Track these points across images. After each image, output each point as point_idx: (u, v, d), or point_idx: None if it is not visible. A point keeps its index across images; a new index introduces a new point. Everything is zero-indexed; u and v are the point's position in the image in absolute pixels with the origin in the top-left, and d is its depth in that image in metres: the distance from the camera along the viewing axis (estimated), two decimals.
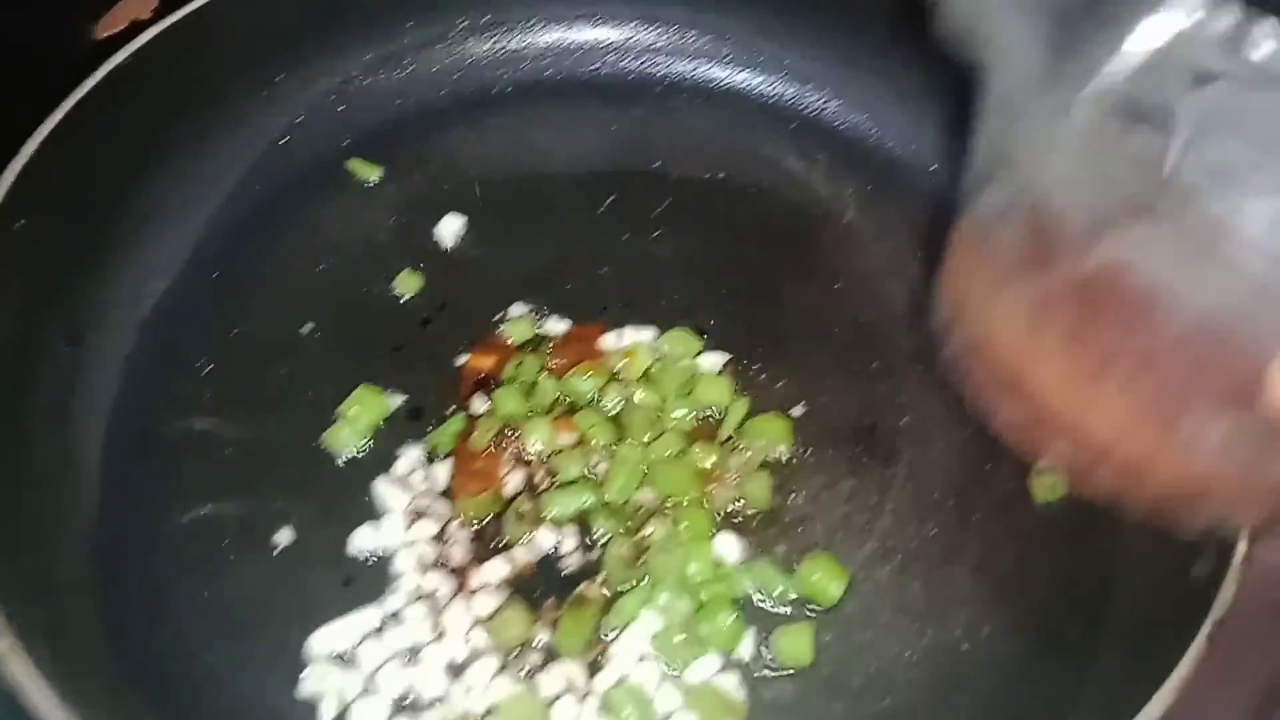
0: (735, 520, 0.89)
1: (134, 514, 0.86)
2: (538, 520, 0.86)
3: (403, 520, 0.86)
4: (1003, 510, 0.90)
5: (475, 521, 0.87)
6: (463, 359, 0.96)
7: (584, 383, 0.94)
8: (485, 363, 0.96)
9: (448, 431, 0.91)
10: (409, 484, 0.88)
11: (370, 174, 1.08)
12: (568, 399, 0.94)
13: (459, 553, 0.85)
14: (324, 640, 0.81)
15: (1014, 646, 0.84)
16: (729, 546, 0.86)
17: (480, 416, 0.92)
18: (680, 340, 0.97)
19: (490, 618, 0.82)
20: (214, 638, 0.81)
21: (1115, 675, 0.79)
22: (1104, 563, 0.87)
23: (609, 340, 0.98)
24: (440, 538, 0.86)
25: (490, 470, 0.89)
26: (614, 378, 0.95)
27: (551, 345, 0.97)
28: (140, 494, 0.87)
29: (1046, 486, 0.91)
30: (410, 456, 0.90)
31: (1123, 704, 0.72)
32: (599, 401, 0.94)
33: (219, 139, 1.03)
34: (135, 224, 0.96)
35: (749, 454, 0.90)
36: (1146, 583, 0.83)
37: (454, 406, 0.93)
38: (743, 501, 0.89)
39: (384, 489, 0.88)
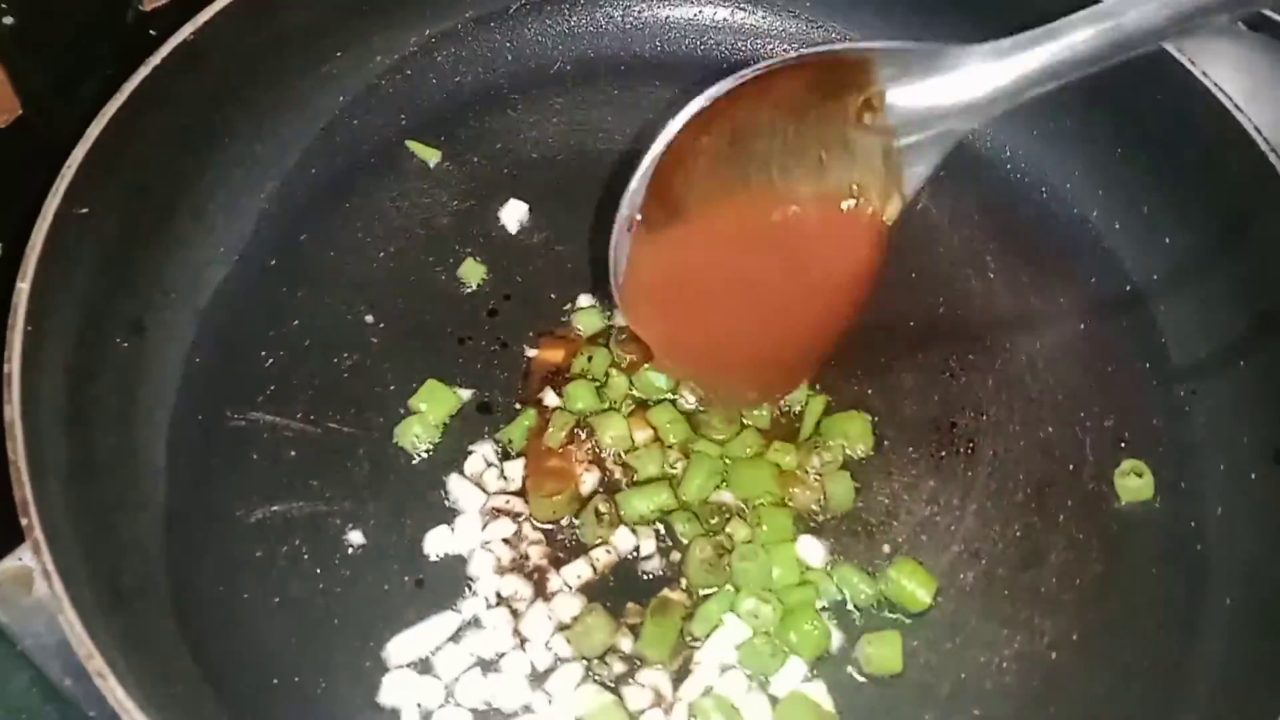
0: (814, 522, 0.86)
1: (202, 513, 0.84)
2: (617, 521, 0.84)
3: (478, 520, 0.84)
4: (1088, 511, 0.88)
5: (552, 523, 0.85)
6: (531, 351, 0.93)
7: (658, 377, 0.91)
8: (554, 356, 0.93)
9: (519, 427, 0.89)
10: (483, 483, 0.86)
11: (429, 156, 1.05)
12: (640, 394, 0.91)
13: (536, 554, 0.83)
14: (401, 647, 0.79)
15: (1106, 654, 0.82)
16: (812, 550, 0.84)
17: (553, 412, 0.89)
18: None
19: (572, 624, 0.80)
20: (289, 642, 0.79)
21: (1217, 686, 0.77)
22: (1198, 565, 0.85)
23: None
24: (516, 539, 0.84)
25: (565, 469, 0.87)
26: None
27: (623, 337, 0.94)
28: (207, 492, 0.85)
29: (1131, 487, 0.89)
30: (481, 453, 0.87)
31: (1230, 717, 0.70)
32: (673, 396, 0.91)
33: (276, 120, 1.00)
34: (194, 209, 0.94)
35: (829, 454, 0.88)
36: (1247, 585, 0.81)
37: (523, 401, 0.91)
38: (824, 503, 0.86)
39: (458, 487, 0.86)
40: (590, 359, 0.92)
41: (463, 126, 1.07)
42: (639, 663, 0.79)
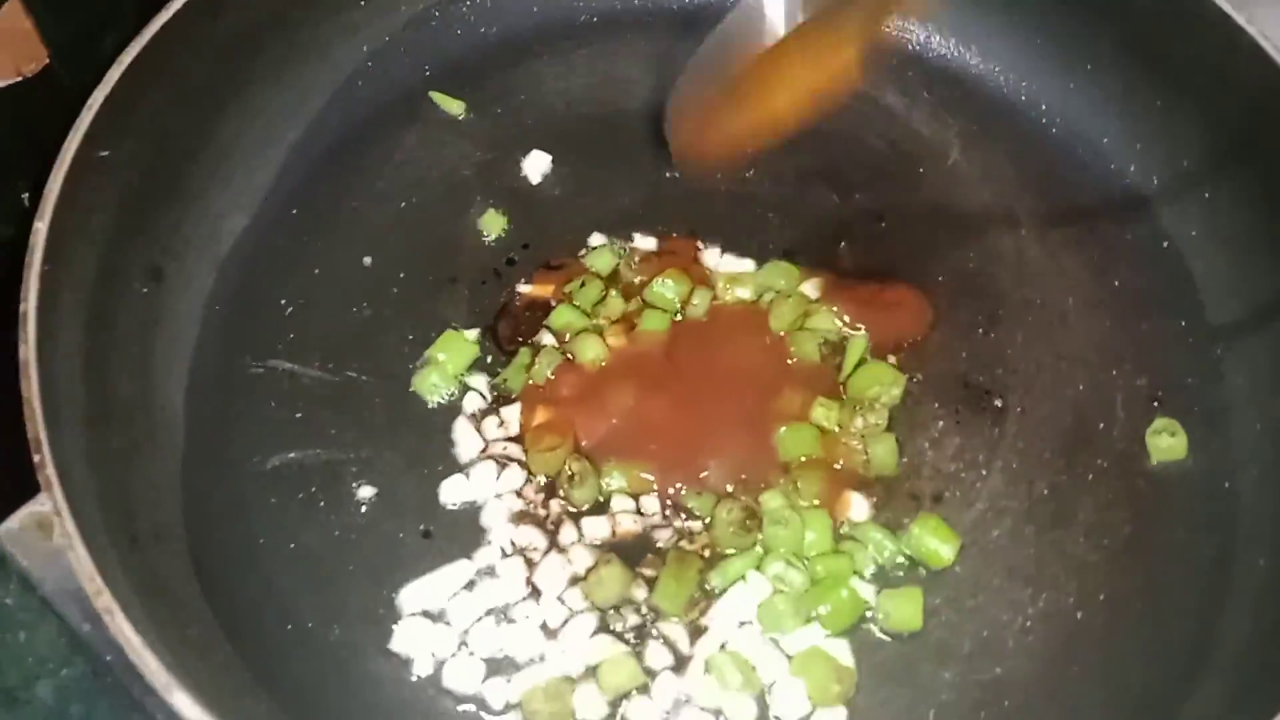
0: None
1: (219, 460, 0.84)
2: (594, 482, 0.82)
3: (493, 470, 0.83)
4: (1118, 471, 0.86)
5: (552, 476, 0.84)
6: (524, 288, 0.93)
7: (669, 288, 0.90)
8: (544, 290, 0.92)
9: (515, 368, 0.88)
10: (482, 429, 0.85)
11: (453, 107, 1.03)
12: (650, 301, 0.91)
13: (554, 508, 0.82)
14: (414, 594, 0.78)
15: (1131, 615, 0.80)
16: (858, 507, 0.83)
17: (542, 349, 0.89)
18: (781, 272, 0.93)
19: (587, 575, 0.79)
20: (304, 590, 0.79)
21: (1245, 649, 0.75)
22: (1228, 526, 0.83)
23: (708, 258, 0.95)
24: (529, 489, 0.83)
25: (562, 421, 0.85)
26: (704, 284, 0.92)
27: (638, 260, 0.93)
28: (225, 439, 0.85)
29: (1164, 447, 0.86)
30: (478, 390, 0.87)
31: (1257, 681, 0.68)
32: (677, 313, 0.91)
33: (298, 69, 0.99)
34: (215, 157, 0.93)
35: (873, 416, 0.86)
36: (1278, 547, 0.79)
37: (517, 341, 0.90)
38: (867, 465, 0.85)
39: (461, 432, 0.85)
40: (583, 284, 0.91)
41: (487, 78, 1.06)
42: (654, 615, 0.78)
